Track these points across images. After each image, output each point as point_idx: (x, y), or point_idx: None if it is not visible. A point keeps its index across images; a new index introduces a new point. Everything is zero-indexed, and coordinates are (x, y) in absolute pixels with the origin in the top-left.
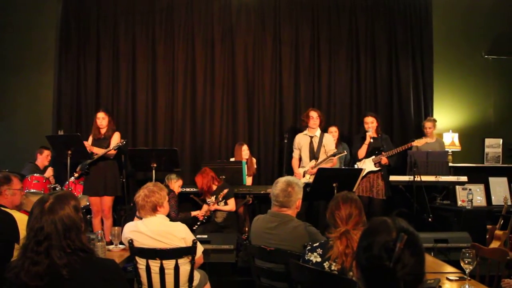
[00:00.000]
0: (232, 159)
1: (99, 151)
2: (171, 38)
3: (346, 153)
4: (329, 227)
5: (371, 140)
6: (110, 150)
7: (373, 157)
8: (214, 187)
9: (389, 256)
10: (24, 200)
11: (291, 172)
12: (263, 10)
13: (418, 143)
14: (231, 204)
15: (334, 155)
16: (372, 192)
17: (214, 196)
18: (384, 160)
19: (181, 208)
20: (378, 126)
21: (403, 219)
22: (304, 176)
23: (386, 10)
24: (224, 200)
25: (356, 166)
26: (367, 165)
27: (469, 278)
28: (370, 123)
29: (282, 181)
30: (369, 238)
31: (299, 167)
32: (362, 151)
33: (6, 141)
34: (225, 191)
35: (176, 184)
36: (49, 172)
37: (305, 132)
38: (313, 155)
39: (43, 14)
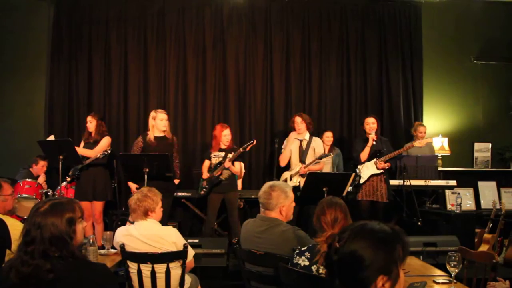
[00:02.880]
0: None
1: (90, 154)
2: (162, 43)
3: (331, 155)
4: (317, 232)
5: (374, 143)
6: (97, 156)
7: (375, 159)
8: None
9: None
10: (16, 205)
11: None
12: (254, 16)
13: (419, 143)
14: (238, 167)
15: (320, 157)
16: (376, 196)
17: (225, 153)
18: (383, 165)
19: (172, 215)
20: (378, 128)
21: (390, 224)
22: (291, 179)
23: (376, 16)
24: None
25: (358, 170)
26: (370, 168)
27: (455, 281)
28: (372, 124)
29: (267, 184)
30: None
31: (288, 170)
32: (364, 154)
33: None
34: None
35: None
36: (42, 178)
37: (295, 135)
38: (301, 158)
39: (35, 19)
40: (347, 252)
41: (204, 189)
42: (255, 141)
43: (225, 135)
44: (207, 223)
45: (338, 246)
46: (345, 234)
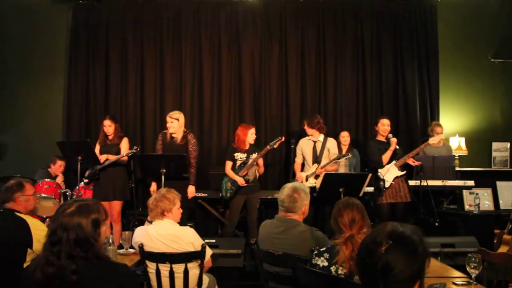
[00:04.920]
0: None
1: (112, 158)
2: (178, 45)
3: (350, 155)
4: (334, 233)
5: (397, 147)
6: (123, 156)
7: (394, 161)
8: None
9: (371, 258)
10: (36, 205)
11: None
12: (269, 17)
13: (433, 140)
14: (261, 163)
15: (338, 158)
16: (400, 197)
17: (247, 154)
18: (416, 162)
19: (189, 215)
20: (391, 130)
21: (412, 226)
22: (307, 180)
23: (391, 15)
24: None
25: (380, 175)
26: (391, 171)
27: (475, 282)
28: (387, 126)
29: (288, 187)
30: (363, 242)
31: (301, 171)
32: (386, 157)
33: (17, 147)
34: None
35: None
36: (60, 178)
37: (308, 137)
38: (316, 159)
39: (53, 22)
40: (389, 261)
41: (230, 191)
42: (283, 137)
43: (251, 134)
44: (229, 223)
45: (383, 251)
46: (380, 239)
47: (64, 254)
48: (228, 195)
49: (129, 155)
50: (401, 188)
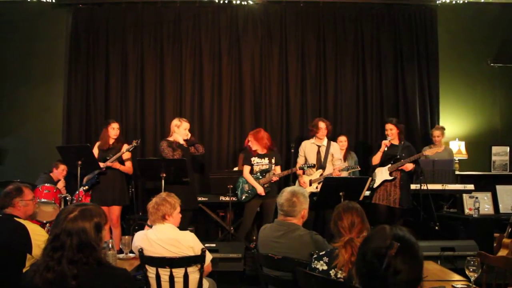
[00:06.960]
0: (235, 169)
1: (114, 165)
2: (178, 49)
3: (359, 168)
4: (334, 236)
5: (385, 149)
6: (124, 152)
7: (389, 165)
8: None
9: (380, 262)
10: (36, 210)
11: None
12: (269, 21)
13: (429, 152)
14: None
15: (347, 169)
16: (389, 201)
17: (268, 159)
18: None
19: (191, 220)
20: (401, 133)
21: (405, 228)
22: (311, 185)
23: (391, 20)
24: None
25: (373, 174)
26: (383, 173)
27: (474, 286)
28: (389, 130)
29: (287, 191)
30: (364, 245)
31: (303, 174)
32: (376, 158)
33: (17, 152)
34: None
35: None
36: (61, 183)
37: (312, 140)
38: (320, 165)
39: (53, 25)
40: (398, 263)
41: (246, 194)
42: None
43: (262, 138)
44: (243, 226)
45: (392, 254)
46: (389, 242)
47: (66, 260)
48: (244, 197)
49: (131, 150)
50: (392, 193)
